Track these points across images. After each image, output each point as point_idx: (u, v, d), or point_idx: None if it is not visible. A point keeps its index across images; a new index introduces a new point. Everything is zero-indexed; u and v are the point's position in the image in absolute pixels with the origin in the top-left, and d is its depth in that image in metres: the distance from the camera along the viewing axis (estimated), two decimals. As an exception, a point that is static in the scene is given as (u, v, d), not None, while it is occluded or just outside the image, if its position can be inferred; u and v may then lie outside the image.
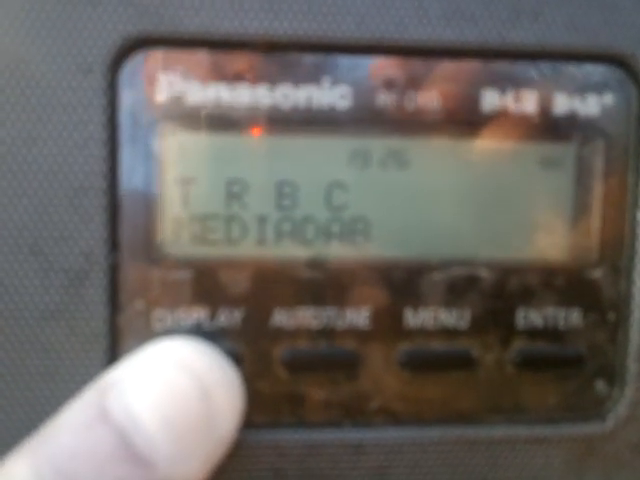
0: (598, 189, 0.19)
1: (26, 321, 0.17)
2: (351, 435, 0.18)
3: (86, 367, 0.17)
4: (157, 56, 0.17)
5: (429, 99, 0.18)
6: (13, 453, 0.15)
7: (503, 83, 0.18)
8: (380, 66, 0.18)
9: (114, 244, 0.17)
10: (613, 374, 0.19)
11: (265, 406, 0.18)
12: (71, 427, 0.15)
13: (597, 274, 0.19)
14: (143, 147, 0.17)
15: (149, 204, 0.17)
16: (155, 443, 0.15)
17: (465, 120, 0.18)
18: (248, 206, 0.18)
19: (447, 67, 0.18)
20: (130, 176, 0.17)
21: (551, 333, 0.19)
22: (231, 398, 0.17)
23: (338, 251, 0.18)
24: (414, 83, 0.18)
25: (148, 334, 0.18)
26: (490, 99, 0.18)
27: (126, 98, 0.17)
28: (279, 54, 0.17)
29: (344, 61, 0.18)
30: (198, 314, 0.18)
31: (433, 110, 0.18)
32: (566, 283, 0.19)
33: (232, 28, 0.17)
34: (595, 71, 0.18)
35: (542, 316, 0.19)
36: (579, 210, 0.19)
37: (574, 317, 0.19)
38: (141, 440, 0.15)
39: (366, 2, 0.17)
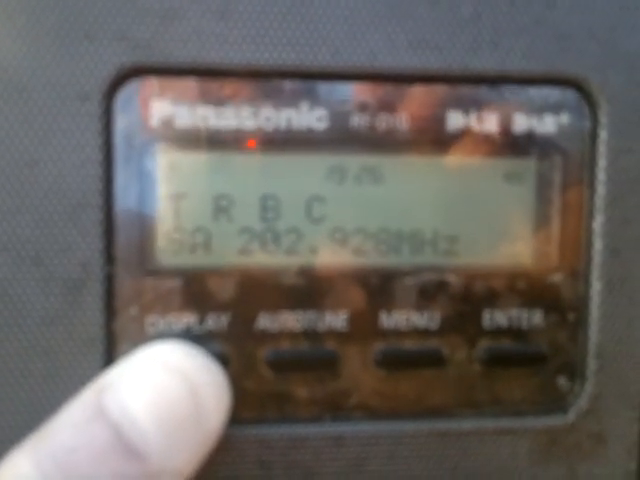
0: (557, 200, 0.20)
1: (28, 327, 0.18)
2: (331, 429, 0.19)
3: (84, 369, 0.18)
4: (149, 84, 0.18)
5: (399, 120, 0.19)
6: (15, 449, 0.16)
7: (466, 105, 0.19)
8: (354, 91, 0.19)
9: (109, 255, 0.18)
10: (574, 370, 0.20)
11: (251, 403, 0.19)
12: (70, 424, 0.16)
13: (557, 278, 0.20)
14: (136, 166, 0.18)
15: (142, 218, 0.18)
16: (148, 438, 0.16)
17: (433, 139, 0.19)
18: (234, 219, 0.19)
19: (415, 91, 0.19)
20: (124, 193, 0.18)
21: (515, 333, 0.20)
22: (218, 396, 0.17)
23: (318, 259, 0.19)
24: (385, 106, 0.19)
25: (141, 338, 0.18)
26: (455, 120, 0.19)
27: (120, 122, 0.18)
28: (261, 81, 0.18)
29: (321, 87, 0.19)
30: (188, 319, 0.19)
31: (403, 130, 0.19)
32: (529, 286, 0.20)
33: (218, 58, 0.18)
34: (551, 93, 0.19)
35: (507, 317, 0.20)
36: (540, 220, 0.20)
37: (536, 318, 0.20)
38: (135, 435, 0.16)
39: (340, 34, 0.18)
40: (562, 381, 0.20)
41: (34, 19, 0.18)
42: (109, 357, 0.18)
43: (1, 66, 0.18)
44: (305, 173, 0.19)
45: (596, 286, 0.20)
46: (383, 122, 0.19)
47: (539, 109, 0.19)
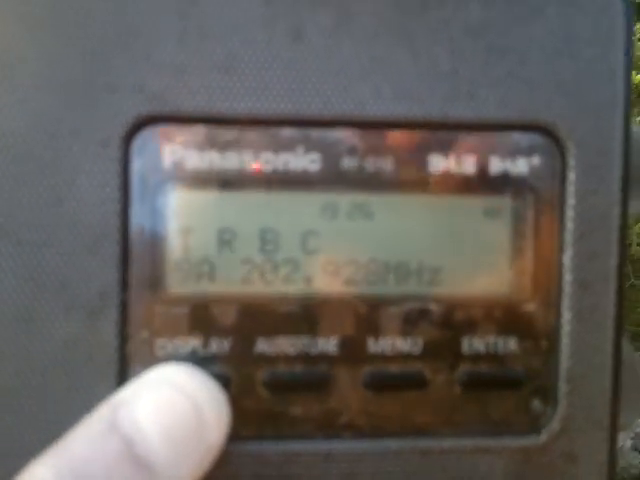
0: (530, 235, 0.21)
1: (51, 348, 0.19)
2: (322, 446, 0.20)
3: (100, 387, 0.19)
4: (162, 131, 0.20)
5: (385, 163, 0.20)
6: (36, 459, 0.17)
7: (446, 149, 0.21)
8: (344, 137, 0.20)
9: (125, 284, 0.19)
10: (547, 393, 0.21)
11: (249, 421, 0.20)
12: (87, 437, 0.17)
13: (531, 307, 0.21)
14: (150, 204, 0.20)
15: (154, 251, 0.20)
16: (155, 450, 0.17)
17: (416, 180, 0.21)
18: (236, 251, 0.20)
19: (399, 137, 0.20)
20: (139, 228, 0.20)
21: (492, 358, 0.21)
22: (219, 414, 0.18)
23: (312, 289, 0.20)
24: (372, 150, 0.20)
25: (151, 360, 0.20)
26: (435, 162, 0.20)
27: (137, 165, 0.19)
28: (262, 128, 0.20)
29: (314, 133, 0.20)
30: (193, 343, 0.20)
31: (389, 171, 0.20)
32: (504, 315, 0.21)
33: (223, 108, 0.20)
34: (524, 138, 0.21)
35: (484, 343, 0.21)
36: (515, 253, 0.21)
37: (512, 344, 0.21)
38: (145, 448, 0.17)
39: (331, 86, 0.20)
40: (536, 403, 0.21)
41: (61, 73, 0.19)
42: (122, 377, 0.19)
43: (32, 115, 0.19)
44: (301, 209, 0.20)
45: (566, 315, 0.21)
46: (371, 164, 0.20)
47: (512, 152, 0.21)
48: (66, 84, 0.19)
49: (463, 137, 0.21)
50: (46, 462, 0.17)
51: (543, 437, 0.21)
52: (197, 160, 0.20)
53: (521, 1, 0.20)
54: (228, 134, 0.20)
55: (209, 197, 0.20)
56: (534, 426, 0.21)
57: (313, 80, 0.20)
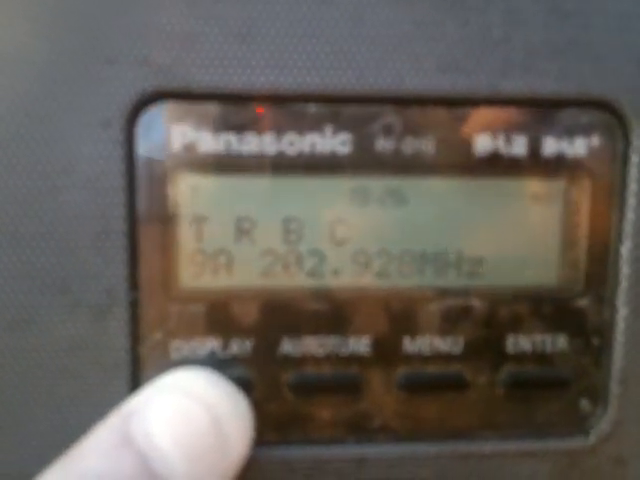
0: (585, 224, 0.19)
1: (55, 352, 0.18)
2: (354, 451, 0.19)
3: (110, 394, 0.18)
4: (171, 109, 0.18)
5: (425, 144, 0.19)
6: (46, 471, 0.16)
7: (494, 128, 0.19)
8: (379, 114, 0.18)
9: (134, 281, 0.18)
10: (597, 394, 0.20)
11: (275, 426, 0.19)
12: (98, 449, 0.16)
13: (583, 303, 0.20)
14: (159, 192, 0.18)
15: (165, 243, 0.18)
16: (172, 466, 0.16)
17: (459, 162, 0.19)
18: (256, 241, 0.19)
19: (441, 114, 0.19)
20: (148, 219, 0.18)
21: (539, 357, 0.20)
22: (240, 424, 0.18)
23: (341, 283, 0.19)
24: (411, 130, 0.18)
25: (166, 363, 0.19)
26: (483, 143, 0.19)
27: (143, 148, 0.18)
28: (284, 105, 0.18)
29: (345, 110, 0.18)
30: (212, 344, 0.19)
31: (429, 154, 0.19)
32: (553, 311, 0.20)
33: (240, 83, 0.18)
34: (582, 115, 0.19)
35: (531, 342, 0.20)
36: (567, 243, 0.19)
37: (561, 342, 0.20)
38: (160, 463, 0.16)
39: (365, 56, 0.18)
40: (584, 404, 0.20)
41: (55, 44, 0.17)
42: (134, 382, 0.18)
43: (22, 92, 0.17)
44: (328, 196, 0.19)
45: (622, 311, 0.19)
46: (409, 146, 0.19)
47: (569, 131, 0.19)
48: (61, 56, 0.17)
49: (514, 114, 0.19)
50: (57, 473, 0.16)
51: (591, 439, 0.20)
52: (211, 142, 0.18)
53: None
54: (246, 113, 0.18)
55: (225, 183, 0.19)
56: (582, 428, 0.20)
57: (344, 49, 0.18)
